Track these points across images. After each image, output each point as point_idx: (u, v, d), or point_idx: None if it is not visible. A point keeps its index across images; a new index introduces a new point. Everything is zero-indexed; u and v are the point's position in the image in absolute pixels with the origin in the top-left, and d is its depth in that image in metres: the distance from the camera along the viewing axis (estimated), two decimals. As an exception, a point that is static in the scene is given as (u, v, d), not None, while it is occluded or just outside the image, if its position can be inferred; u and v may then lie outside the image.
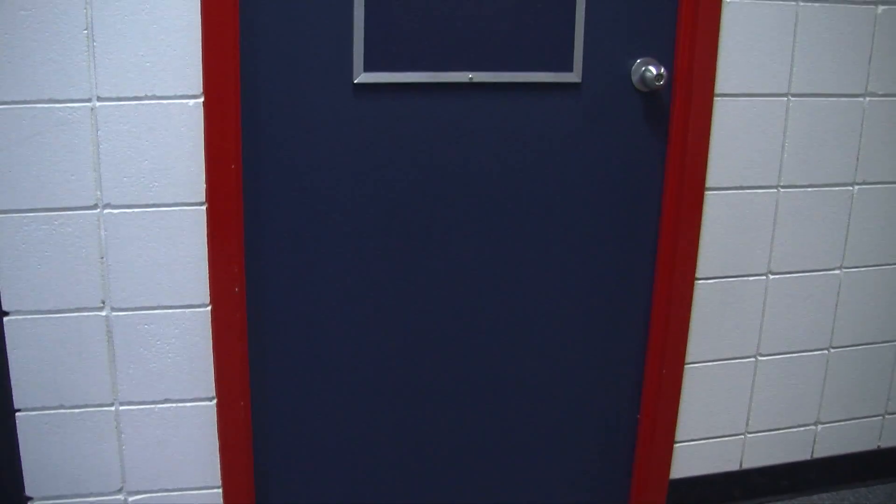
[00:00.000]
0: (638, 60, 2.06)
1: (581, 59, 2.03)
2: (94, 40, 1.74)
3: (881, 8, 2.12)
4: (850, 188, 2.24)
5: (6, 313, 1.83)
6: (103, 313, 1.88)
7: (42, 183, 1.79)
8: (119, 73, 1.77)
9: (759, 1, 2.06)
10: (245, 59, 1.85)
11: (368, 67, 1.92)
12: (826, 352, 2.37)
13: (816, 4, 2.09)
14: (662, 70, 1.99)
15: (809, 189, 2.21)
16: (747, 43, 2.08)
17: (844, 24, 2.13)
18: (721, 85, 2.08)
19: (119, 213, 1.84)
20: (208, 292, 1.91)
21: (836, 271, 2.31)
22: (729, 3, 2.04)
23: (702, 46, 2.02)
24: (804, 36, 2.11)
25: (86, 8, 1.73)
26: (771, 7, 2.06)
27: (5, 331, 1.84)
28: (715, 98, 2.07)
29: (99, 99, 1.78)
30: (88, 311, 1.88)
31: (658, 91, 2.07)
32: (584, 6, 2.00)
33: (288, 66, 1.89)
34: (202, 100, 1.81)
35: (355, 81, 1.93)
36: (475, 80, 1.99)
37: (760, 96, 2.11)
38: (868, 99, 2.18)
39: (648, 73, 2.02)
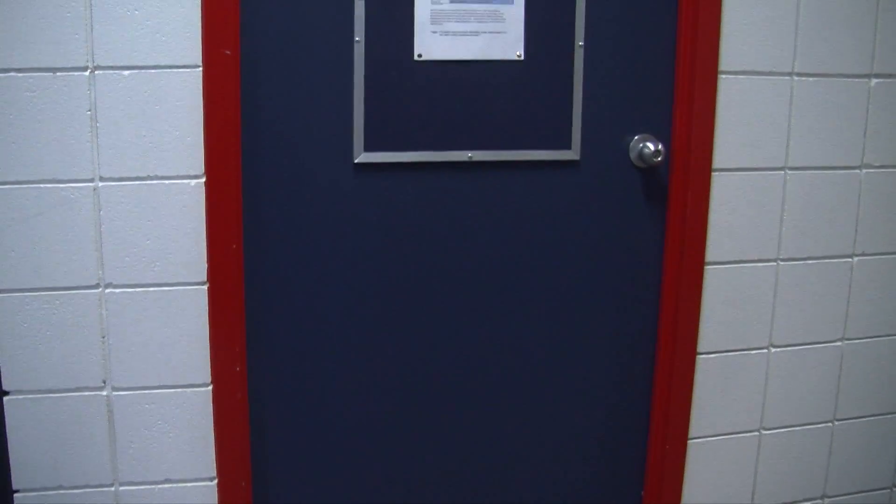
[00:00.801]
0: (636, 137, 2.09)
1: (579, 137, 2.06)
2: (97, 121, 1.77)
3: (874, 81, 2.14)
4: (850, 259, 2.24)
5: (6, 393, 1.82)
6: (104, 393, 1.87)
7: (44, 262, 1.80)
8: (121, 153, 1.79)
9: (755, 76, 2.07)
10: (247, 138, 1.88)
11: (369, 147, 1.95)
12: (831, 424, 2.36)
13: (811, 79, 2.11)
14: (660, 146, 2.02)
15: (809, 261, 2.21)
16: (744, 118, 2.10)
17: (839, 97, 2.15)
18: (719, 159, 2.09)
19: (121, 292, 1.84)
20: (209, 371, 1.91)
21: (838, 343, 2.30)
22: (725, 78, 2.05)
23: (699, 122, 2.04)
24: (800, 110, 2.13)
25: (89, 89, 1.76)
26: (766, 82, 2.09)
27: (5, 410, 1.83)
28: (713, 173, 2.09)
29: (101, 179, 1.80)
30: (89, 391, 1.88)
31: (656, 167, 2.08)
32: (581, 84, 2.03)
33: (289, 146, 1.92)
34: (204, 180, 1.83)
35: (356, 161, 1.95)
36: (474, 158, 2.01)
37: (758, 170, 2.13)
38: (865, 171, 2.19)
39: (646, 150, 2.04)
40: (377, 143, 1.96)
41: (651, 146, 2.03)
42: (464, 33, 1.96)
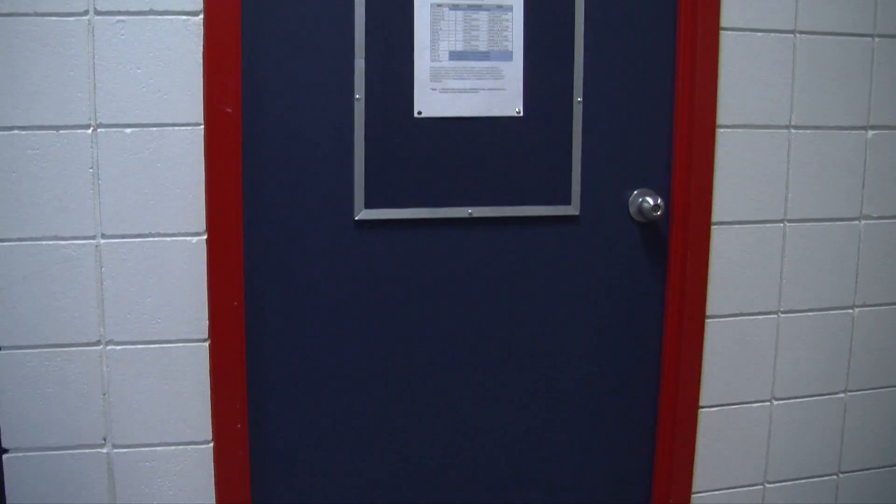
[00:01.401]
0: (635, 192, 2.10)
1: (579, 192, 2.08)
2: (99, 178, 1.79)
3: (871, 133, 2.16)
4: (851, 311, 2.24)
5: (5, 451, 1.82)
6: (104, 450, 1.87)
7: (45, 319, 1.81)
8: (123, 210, 1.81)
9: (752, 130, 2.09)
10: (248, 195, 1.90)
11: (369, 204, 1.97)
12: (835, 477, 2.35)
13: (808, 132, 2.13)
14: (659, 201, 2.03)
15: (810, 313, 2.20)
16: (742, 171, 2.12)
17: (836, 149, 2.17)
18: (718, 213, 2.11)
19: (122, 349, 1.85)
20: (211, 429, 1.90)
21: (841, 395, 2.29)
22: (723, 132, 2.07)
23: (697, 176, 2.05)
24: (798, 162, 2.15)
25: (92, 147, 1.78)
26: (764, 135, 2.12)
27: (4, 468, 1.83)
28: (712, 226, 2.10)
29: (103, 236, 1.81)
30: (89, 448, 1.88)
31: (656, 221, 2.08)
32: (580, 140, 2.05)
33: (290, 202, 1.94)
34: (205, 237, 1.84)
35: (356, 218, 1.97)
36: (475, 215, 2.03)
37: (757, 223, 2.14)
38: (864, 222, 2.19)
39: (646, 205, 2.05)
40: (378, 199, 1.97)
41: (651, 200, 2.05)
42: (463, 90, 1.98)
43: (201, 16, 1.79)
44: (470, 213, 2.01)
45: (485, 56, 1.98)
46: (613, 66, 2.07)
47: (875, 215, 2.20)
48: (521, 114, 2.02)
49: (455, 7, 1.96)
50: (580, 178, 2.06)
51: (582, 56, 2.03)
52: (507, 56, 2.00)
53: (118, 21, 1.76)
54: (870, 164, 2.17)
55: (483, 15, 1.97)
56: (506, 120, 2.02)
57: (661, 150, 2.12)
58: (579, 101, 2.04)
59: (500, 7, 1.98)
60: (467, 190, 2.01)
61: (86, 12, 1.75)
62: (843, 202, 2.18)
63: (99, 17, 1.76)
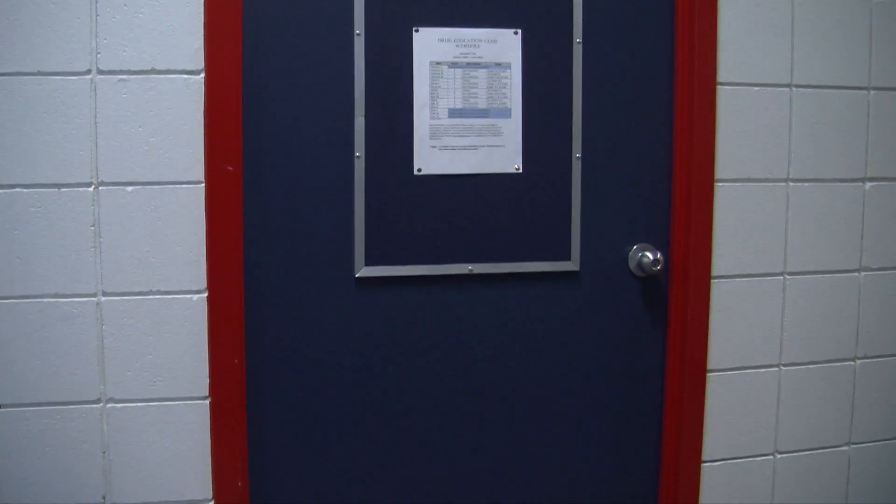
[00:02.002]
0: (634, 247, 2.11)
1: (578, 248, 2.09)
2: (100, 236, 1.79)
3: (868, 185, 2.17)
4: (852, 363, 2.23)
5: (5, 509, 1.80)
6: (104, 510, 1.84)
7: (45, 376, 1.81)
8: (124, 267, 1.82)
9: (751, 183, 2.10)
10: (249, 253, 1.91)
11: (370, 261, 1.98)
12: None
13: (806, 184, 2.14)
14: (659, 255, 2.04)
15: (811, 366, 2.20)
16: (741, 224, 2.13)
17: (835, 201, 2.19)
18: (718, 267, 2.12)
19: (122, 407, 1.85)
20: (211, 487, 1.90)
21: (844, 448, 2.28)
22: (721, 186, 2.08)
23: (697, 230, 2.06)
24: (796, 215, 2.17)
25: (93, 204, 1.79)
26: (762, 188, 2.14)
27: (3, 527, 1.80)
28: (712, 280, 2.10)
29: (104, 294, 1.81)
30: (89, 508, 1.83)
31: (655, 276, 2.09)
32: (579, 196, 2.06)
33: (291, 260, 1.95)
34: (206, 295, 1.84)
35: (357, 275, 1.98)
36: (475, 271, 2.03)
37: (757, 276, 2.15)
38: (864, 273, 2.20)
39: (645, 259, 2.07)
40: (378, 256, 1.98)
41: (650, 255, 2.06)
42: (463, 147, 2.00)
43: (202, 75, 1.80)
44: (470, 270, 2.02)
45: (484, 113, 2.00)
46: (612, 122, 2.09)
47: (875, 266, 2.19)
48: (521, 170, 2.04)
49: (454, 65, 1.98)
50: (580, 234, 2.07)
51: (580, 112, 2.05)
52: (505, 113, 2.02)
53: (120, 80, 1.78)
54: (868, 215, 2.17)
55: (482, 73, 2.00)
56: (505, 176, 2.04)
57: (660, 205, 2.13)
58: (578, 157, 2.06)
59: (498, 65, 2.01)
60: (467, 246, 2.02)
61: (88, 71, 1.77)
62: (842, 254, 2.19)
63: (101, 77, 1.78)
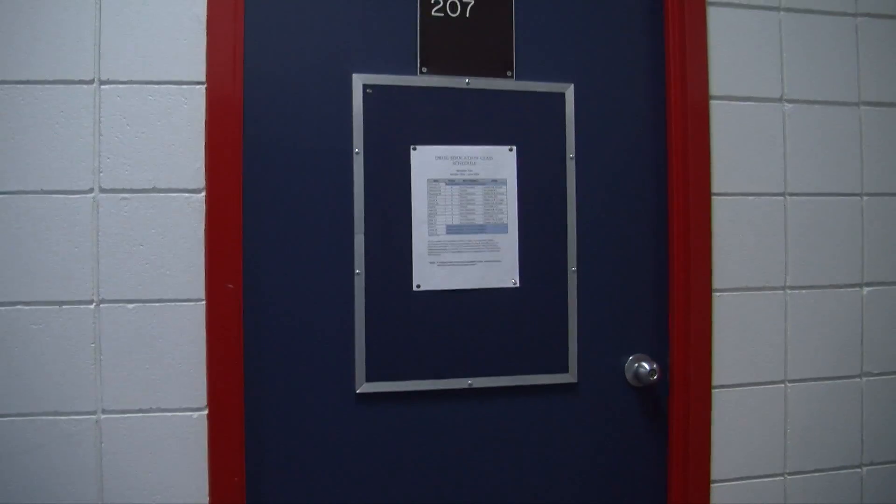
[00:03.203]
0: (630, 357, 2.11)
1: (576, 360, 2.10)
2: (101, 352, 1.81)
3: (867, 290, 2.16)
4: (859, 470, 2.20)
5: None
6: None
7: (43, 494, 1.80)
8: (125, 384, 1.83)
9: (748, 292, 2.11)
10: (249, 370, 1.93)
11: (370, 377, 1.98)
12: None
13: (804, 291, 2.17)
14: (655, 366, 2.06)
15: (815, 474, 2.19)
16: (740, 332, 2.14)
17: (833, 304, 2.20)
18: (718, 376, 2.12)
19: (120, 525, 1.80)
20: None
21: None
22: (719, 296, 2.09)
23: (696, 340, 2.08)
24: (795, 322, 2.18)
25: (94, 322, 1.80)
26: (760, 296, 2.15)
27: None
28: (713, 390, 2.08)
29: (104, 411, 1.82)
30: None
31: (653, 386, 2.09)
32: (576, 309, 2.09)
33: (291, 377, 1.96)
34: (206, 412, 1.86)
35: (358, 391, 1.98)
36: (474, 385, 2.04)
37: (758, 385, 2.16)
38: (865, 378, 2.19)
39: (642, 370, 2.08)
40: (379, 372, 1.99)
41: (646, 366, 2.08)
42: (461, 263, 2.03)
43: (203, 193, 1.83)
44: (470, 384, 2.03)
45: (481, 229, 2.04)
46: (606, 235, 2.12)
47: (875, 371, 2.18)
48: (518, 284, 2.07)
49: (451, 182, 2.02)
50: (577, 346, 2.09)
51: (574, 226, 2.09)
52: (502, 228, 2.05)
53: (122, 199, 1.81)
54: (867, 322, 2.16)
55: (478, 189, 2.04)
56: (503, 291, 2.06)
57: (656, 315, 2.15)
58: (574, 271, 2.09)
59: (494, 181, 2.05)
60: (467, 360, 2.03)
61: (91, 190, 1.80)
62: (844, 358, 2.20)
63: (104, 195, 1.80)
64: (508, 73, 2.08)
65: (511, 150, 2.07)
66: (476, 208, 2.03)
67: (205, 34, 1.87)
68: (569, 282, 2.10)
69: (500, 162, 2.06)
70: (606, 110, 2.13)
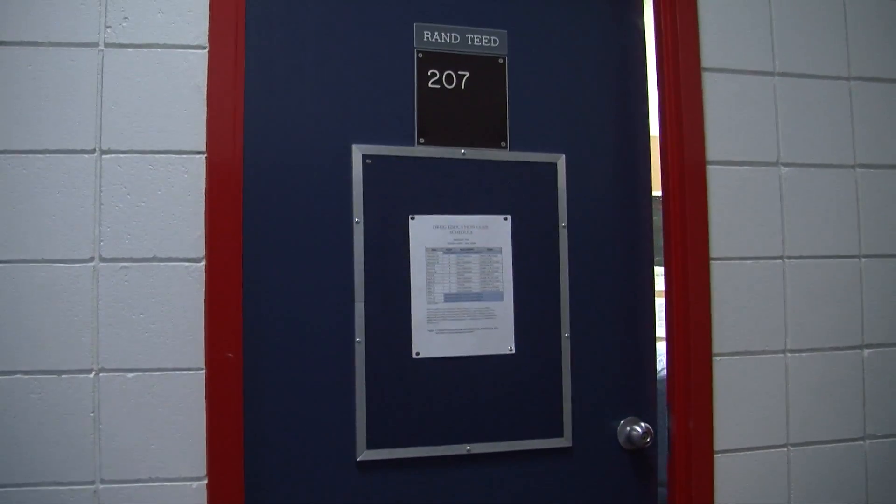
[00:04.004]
0: (622, 421, 2.16)
1: (570, 424, 2.14)
2: (99, 422, 1.81)
3: (867, 351, 2.16)
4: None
5: None
6: None
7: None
8: (124, 454, 1.82)
9: (748, 356, 2.11)
10: (249, 437, 1.93)
11: (371, 445, 2.00)
12: None
13: (804, 354, 2.18)
14: (648, 427, 2.11)
15: (817, 531, 2.16)
16: (742, 396, 2.15)
17: (833, 367, 2.22)
18: (720, 441, 2.12)
19: None
20: None
21: None
22: (719, 360, 2.11)
23: (697, 404, 2.09)
24: (797, 384, 2.20)
25: (93, 391, 1.81)
26: (760, 360, 2.16)
27: None
28: (715, 455, 2.11)
29: (102, 481, 1.81)
30: None
31: (644, 448, 2.15)
32: (570, 374, 2.13)
33: (291, 445, 1.98)
34: (206, 482, 1.86)
35: (358, 459, 1.99)
36: (473, 451, 2.07)
37: (760, 449, 2.16)
38: (868, 441, 2.17)
39: (634, 433, 2.13)
40: (379, 440, 2.01)
41: (639, 429, 2.13)
42: (459, 331, 2.06)
43: (203, 262, 1.85)
44: (468, 450, 2.05)
45: (478, 297, 2.08)
46: (599, 300, 2.18)
47: (880, 434, 2.17)
48: (514, 351, 2.11)
49: (449, 251, 2.07)
50: (571, 411, 2.13)
51: (568, 293, 2.14)
52: (498, 296, 2.10)
53: (122, 267, 1.82)
54: (868, 384, 2.16)
55: (475, 258, 2.08)
56: (499, 358, 2.10)
57: (648, 378, 2.20)
58: (567, 336, 2.14)
59: (490, 250, 2.10)
60: (465, 427, 2.06)
61: (91, 259, 1.81)
62: (847, 422, 2.20)
63: (104, 264, 1.81)
64: (503, 144, 2.14)
65: (506, 219, 2.11)
66: (473, 276, 2.07)
67: (205, 104, 1.87)
68: (562, 348, 2.14)
69: (496, 231, 2.10)
70: (598, 179, 2.19)
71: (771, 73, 2.20)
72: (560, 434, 2.13)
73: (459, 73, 2.13)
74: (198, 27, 1.89)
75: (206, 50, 1.89)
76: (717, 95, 2.15)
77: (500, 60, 2.16)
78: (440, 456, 2.04)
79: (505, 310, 2.10)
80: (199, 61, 1.89)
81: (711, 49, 2.16)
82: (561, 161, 2.17)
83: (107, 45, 1.85)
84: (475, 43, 2.14)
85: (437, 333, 2.04)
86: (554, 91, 2.19)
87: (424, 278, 2.04)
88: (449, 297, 2.06)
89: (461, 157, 2.10)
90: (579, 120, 2.20)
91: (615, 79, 2.23)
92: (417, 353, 2.04)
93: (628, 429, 2.16)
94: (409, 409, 2.02)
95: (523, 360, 2.11)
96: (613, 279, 2.19)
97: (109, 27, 1.85)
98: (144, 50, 1.87)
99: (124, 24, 1.86)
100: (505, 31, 2.17)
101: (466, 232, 2.08)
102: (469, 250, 2.08)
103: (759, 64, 2.18)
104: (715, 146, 2.13)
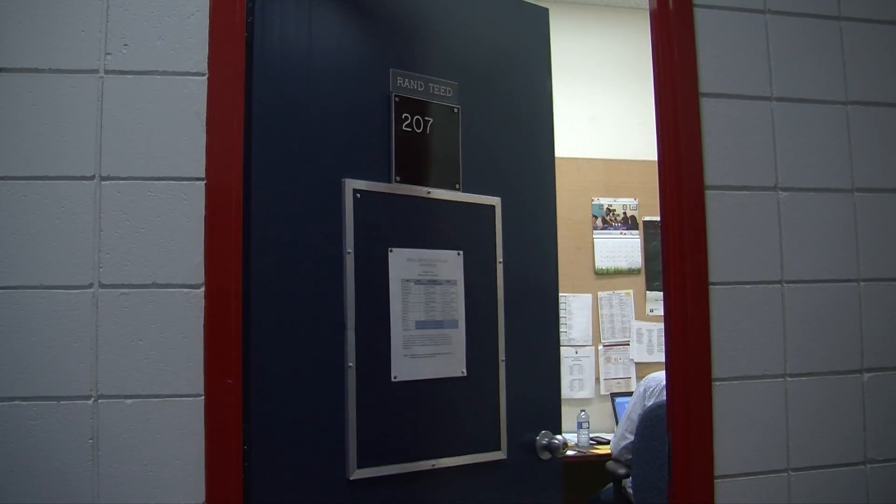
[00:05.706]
0: (537, 436, 2.50)
1: (505, 440, 2.40)
2: (98, 449, 1.80)
3: (867, 375, 2.17)
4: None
5: None
6: None
7: None
8: (122, 482, 1.81)
9: (747, 380, 2.17)
10: (248, 466, 1.96)
11: (362, 464, 2.11)
12: None
13: (804, 378, 2.21)
14: (557, 440, 2.49)
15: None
16: (741, 424, 2.19)
17: (834, 394, 2.25)
18: (720, 467, 2.15)
19: None
20: None
21: None
22: (719, 385, 2.11)
23: (696, 429, 2.12)
24: (796, 408, 2.22)
25: (92, 418, 1.80)
26: (759, 384, 2.17)
27: None
28: (715, 480, 2.16)
29: (100, 510, 1.75)
30: None
31: (558, 457, 2.48)
32: (504, 395, 2.40)
33: (287, 469, 2.02)
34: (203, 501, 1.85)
35: (350, 478, 2.08)
36: (437, 466, 2.25)
37: (761, 474, 2.15)
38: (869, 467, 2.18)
39: (552, 444, 2.50)
40: (367, 459, 2.13)
41: (556, 441, 2.46)
42: (426, 355, 2.25)
43: (202, 288, 1.86)
44: (433, 465, 2.23)
45: (440, 325, 2.30)
46: (525, 328, 2.48)
47: (881, 457, 2.17)
48: (465, 374, 2.34)
49: (419, 282, 2.26)
50: (506, 427, 2.38)
51: (503, 322, 2.41)
52: (454, 324, 2.33)
53: (122, 294, 1.82)
54: (869, 411, 2.16)
55: (438, 288, 2.29)
56: (455, 380, 2.32)
57: (555, 397, 2.55)
58: (502, 361, 2.40)
59: (448, 282, 2.32)
60: (432, 444, 2.24)
61: (91, 285, 1.80)
62: (847, 447, 2.24)
63: (103, 290, 1.81)
64: (457, 186, 2.36)
65: (458, 254, 2.34)
66: (437, 306, 2.28)
67: (204, 131, 1.86)
68: (500, 371, 2.39)
69: (452, 265, 2.33)
70: (526, 220, 2.50)
71: (769, 98, 2.22)
72: (499, 448, 2.38)
73: (425, 118, 2.32)
74: (197, 54, 1.90)
75: (206, 77, 1.88)
76: (715, 121, 2.17)
77: (455, 110, 2.37)
78: (412, 472, 2.20)
79: (459, 336, 2.33)
80: (198, 88, 1.90)
81: (709, 75, 2.20)
82: (498, 203, 2.42)
83: (107, 71, 1.84)
84: (436, 91, 2.35)
85: (410, 358, 2.22)
86: (492, 139, 2.44)
87: (401, 307, 2.21)
88: (419, 325, 2.25)
89: (426, 195, 2.29)
90: (512, 166, 2.46)
91: (537, 130, 2.55)
92: (395, 377, 2.20)
93: (545, 441, 2.46)
94: (390, 429, 2.18)
95: (473, 382, 2.33)
96: (535, 309, 2.49)
97: (109, 54, 1.84)
98: (144, 76, 1.86)
99: (124, 51, 1.85)
100: (456, 83, 2.38)
101: (431, 265, 2.28)
102: (434, 282, 2.29)
103: (756, 89, 2.22)
104: (713, 171, 2.16)
